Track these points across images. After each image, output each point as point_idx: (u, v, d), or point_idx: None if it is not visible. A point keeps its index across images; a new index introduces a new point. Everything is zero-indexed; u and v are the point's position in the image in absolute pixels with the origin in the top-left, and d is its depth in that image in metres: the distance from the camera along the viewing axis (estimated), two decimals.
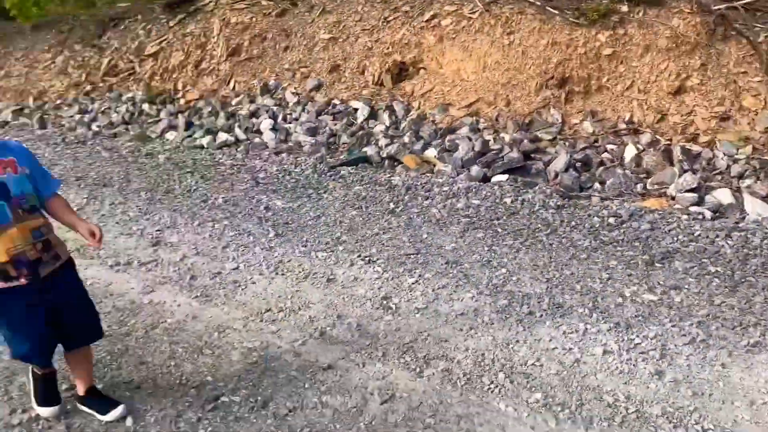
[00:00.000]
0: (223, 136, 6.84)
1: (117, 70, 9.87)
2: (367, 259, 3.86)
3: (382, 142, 6.01)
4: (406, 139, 6.05)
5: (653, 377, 2.67)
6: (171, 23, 9.83)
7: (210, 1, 9.66)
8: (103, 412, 2.49)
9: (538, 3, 6.64)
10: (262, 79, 7.99)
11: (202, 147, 6.76)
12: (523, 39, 6.53)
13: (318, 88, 7.45)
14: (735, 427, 2.40)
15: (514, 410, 2.51)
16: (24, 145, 2.36)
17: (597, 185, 5.09)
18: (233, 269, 3.81)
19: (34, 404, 2.55)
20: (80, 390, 2.56)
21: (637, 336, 2.97)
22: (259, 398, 2.63)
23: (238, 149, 6.52)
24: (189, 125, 7.42)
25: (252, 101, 7.68)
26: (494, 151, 5.58)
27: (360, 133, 6.22)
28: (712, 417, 2.44)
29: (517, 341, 2.97)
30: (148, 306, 3.43)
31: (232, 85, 8.33)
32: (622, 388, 2.62)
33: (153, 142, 7.16)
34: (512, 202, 4.70)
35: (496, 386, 2.66)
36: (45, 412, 2.52)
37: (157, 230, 4.44)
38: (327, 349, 2.98)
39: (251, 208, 4.80)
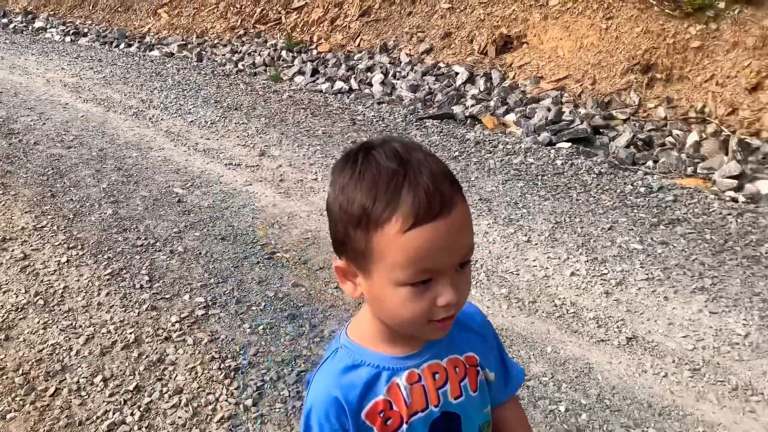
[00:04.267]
0: (339, 84, 7.92)
1: (267, 20, 11.26)
2: None
3: (470, 102, 6.79)
4: (492, 103, 6.78)
5: (601, 295, 3.38)
6: None
7: None
8: None
9: None
10: (383, 40, 8.96)
11: (320, 91, 7.87)
12: (620, 25, 6.98)
13: (429, 51, 8.30)
14: (646, 335, 3.08)
15: (480, 296, 3.34)
16: (485, 315, 1.22)
17: (650, 163, 5.59)
18: (312, 179, 4.86)
19: None
20: None
21: (606, 268, 3.65)
22: (301, 258, 3.66)
23: (349, 97, 7.57)
24: (314, 72, 8.57)
25: (371, 58, 8.68)
26: (566, 122, 6.20)
27: (453, 93, 7.02)
28: (632, 327, 3.13)
29: (507, 257, 3.76)
30: (245, 193, 4.56)
31: (357, 42, 9.37)
32: (572, 297, 3.35)
33: (283, 83, 8.39)
34: (562, 164, 5.36)
35: (476, 282, 3.49)
36: None
37: (265, 145, 5.61)
38: None
39: (342, 141, 5.83)
